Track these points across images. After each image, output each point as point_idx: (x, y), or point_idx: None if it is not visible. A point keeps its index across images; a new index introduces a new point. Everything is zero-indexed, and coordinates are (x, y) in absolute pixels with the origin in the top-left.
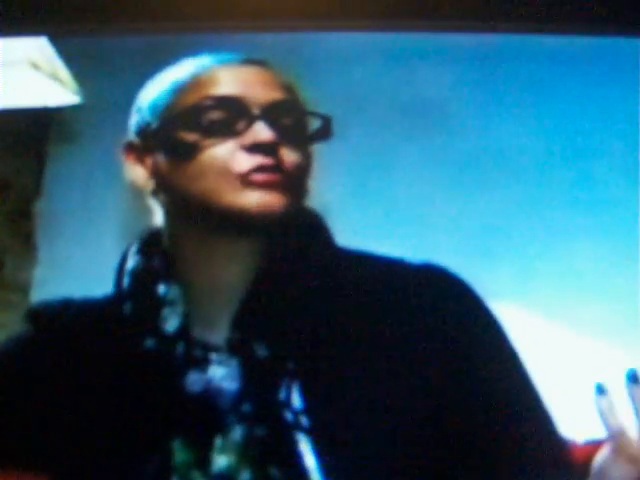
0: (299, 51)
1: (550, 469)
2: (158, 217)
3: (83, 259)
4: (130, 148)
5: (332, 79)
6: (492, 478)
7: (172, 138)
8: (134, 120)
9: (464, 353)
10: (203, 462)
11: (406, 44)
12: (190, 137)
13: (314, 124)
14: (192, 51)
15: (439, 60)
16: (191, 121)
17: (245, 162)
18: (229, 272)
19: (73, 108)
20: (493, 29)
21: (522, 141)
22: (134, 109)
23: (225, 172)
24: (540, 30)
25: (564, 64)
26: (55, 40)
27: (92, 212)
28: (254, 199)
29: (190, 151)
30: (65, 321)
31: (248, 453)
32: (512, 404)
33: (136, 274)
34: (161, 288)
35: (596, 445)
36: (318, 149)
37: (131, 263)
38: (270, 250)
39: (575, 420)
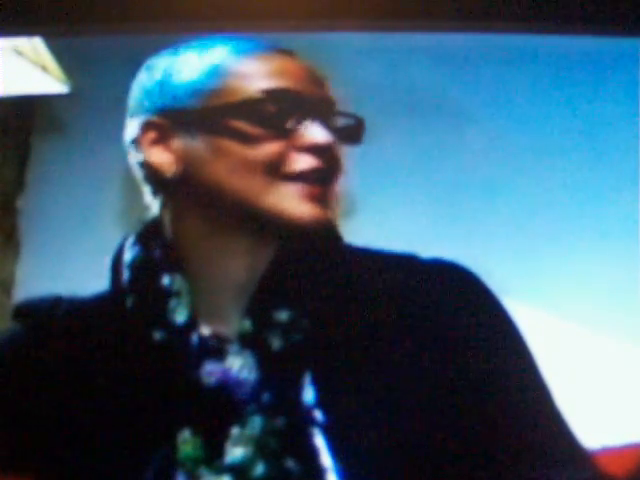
0: (302, 51)
1: (570, 472)
2: (155, 206)
3: (68, 256)
4: (151, 127)
5: (336, 80)
6: (510, 476)
7: (220, 126)
8: (154, 98)
9: (477, 347)
10: (212, 455)
11: (408, 44)
12: (239, 128)
13: (347, 124)
14: (187, 41)
15: (440, 60)
16: (242, 112)
17: (298, 164)
18: (239, 265)
19: (59, 97)
20: (493, 30)
21: (521, 141)
22: (148, 86)
23: (274, 171)
24: (540, 30)
25: (564, 64)
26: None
27: (78, 207)
28: (299, 211)
29: (237, 142)
30: (59, 317)
31: (266, 445)
32: (525, 400)
33: (137, 266)
34: (165, 279)
35: (612, 452)
36: None
37: (130, 255)
38: (281, 244)
39: (591, 426)
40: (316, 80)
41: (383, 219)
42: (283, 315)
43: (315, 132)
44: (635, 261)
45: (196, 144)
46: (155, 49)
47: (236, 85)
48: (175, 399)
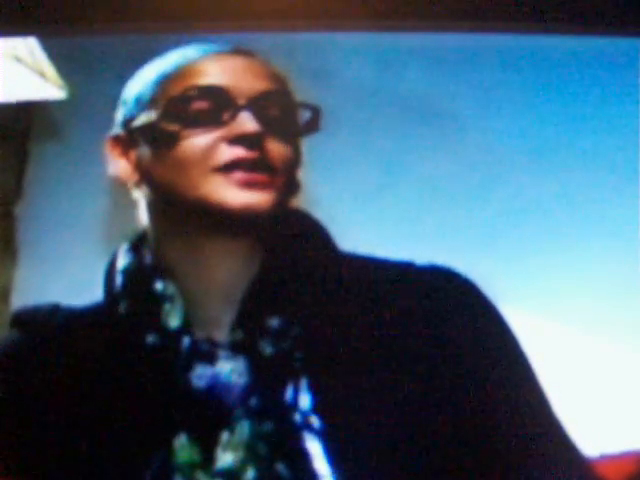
0: (298, 50)
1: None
2: (143, 215)
3: (66, 263)
4: (115, 141)
5: (332, 80)
6: None
7: (155, 128)
8: (120, 113)
9: (473, 353)
10: (207, 460)
11: (401, 45)
12: (172, 127)
13: (303, 116)
14: (181, 45)
15: (439, 59)
16: (175, 111)
17: (227, 154)
18: (224, 271)
19: (57, 104)
20: (493, 29)
21: (519, 141)
22: (120, 102)
23: (206, 165)
24: (540, 30)
25: (564, 64)
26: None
27: (76, 214)
28: (237, 198)
29: (171, 141)
30: (56, 323)
31: (255, 450)
32: (522, 407)
33: (130, 272)
34: (158, 284)
35: (610, 459)
36: (324, 153)
37: (123, 262)
38: (269, 249)
39: (590, 433)
40: (267, 76)
41: (375, 222)
42: (274, 322)
43: (245, 122)
44: (635, 264)
45: (144, 150)
46: (153, 55)
47: (171, 89)
48: (169, 403)
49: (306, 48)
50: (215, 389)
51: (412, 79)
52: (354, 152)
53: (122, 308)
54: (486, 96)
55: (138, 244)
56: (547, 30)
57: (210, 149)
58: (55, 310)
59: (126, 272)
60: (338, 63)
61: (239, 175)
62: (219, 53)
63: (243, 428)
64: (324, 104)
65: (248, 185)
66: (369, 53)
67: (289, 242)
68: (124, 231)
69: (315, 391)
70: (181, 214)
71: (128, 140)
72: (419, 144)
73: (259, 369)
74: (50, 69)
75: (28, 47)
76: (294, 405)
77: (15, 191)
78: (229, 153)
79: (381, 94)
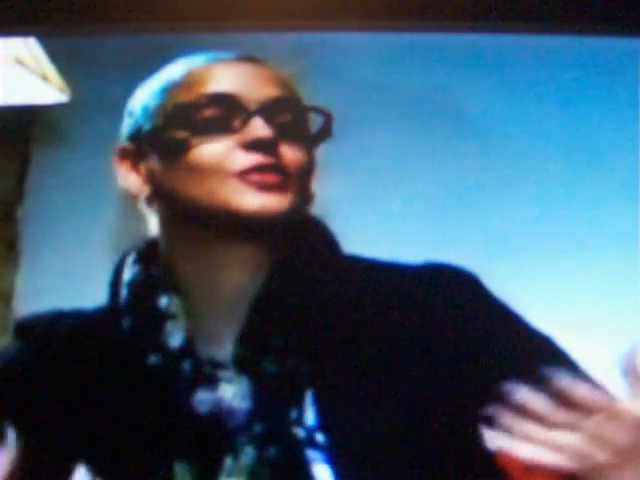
0: (303, 51)
1: None
2: (153, 227)
3: (69, 267)
4: (123, 154)
5: (337, 80)
6: None
7: (165, 138)
8: (126, 125)
9: (485, 360)
10: None
11: (406, 44)
12: (182, 134)
13: (315, 122)
14: (186, 50)
15: (437, 60)
16: (185, 120)
17: (243, 160)
18: (232, 284)
19: (60, 107)
20: (492, 29)
21: (519, 142)
22: (126, 113)
23: (222, 171)
24: (540, 30)
25: (564, 64)
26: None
27: (79, 218)
28: (253, 201)
29: (184, 150)
30: (58, 334)
31: (259, 476)
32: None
33: (135, 286)
34: (163, 301)
35: None
36: (330, 154)
37: (129, 274)
38: (275, 261)
39: None
40: (276, 82)
41: (384, 224)
42: (278, 339)
43: (258, 128)
44: (636, 268)
45: (154, 162)
46: (157, 56)
47: (178, 97)
48: (170, 428)
49: (311, 48)
50: (218, 415)
51: (417, 78)
52: (362, 153)
53: (125, 323)
54: (488, 96)
55: (146, 256)
56: (547, 30)
57: (225, 156)
58: (58, 318)
59: (131, 285)
60: (345, 63)
61: (255, 177)
62: (225, 61)
63: (246, 455)
64: (331, 104)
65: (264, 187)
66: (376, 53)
67: (295, 254)
68: (127, 235)
69: (320, 413)
70: (194, 223)
71: (137, 152)
72: (428, 145)
73: (262, 390)
74: (52, 72)
75: (30, 50)
76: (298, 429)
77: (17, 194)
78: (245, 159)
79: (389, 94)
